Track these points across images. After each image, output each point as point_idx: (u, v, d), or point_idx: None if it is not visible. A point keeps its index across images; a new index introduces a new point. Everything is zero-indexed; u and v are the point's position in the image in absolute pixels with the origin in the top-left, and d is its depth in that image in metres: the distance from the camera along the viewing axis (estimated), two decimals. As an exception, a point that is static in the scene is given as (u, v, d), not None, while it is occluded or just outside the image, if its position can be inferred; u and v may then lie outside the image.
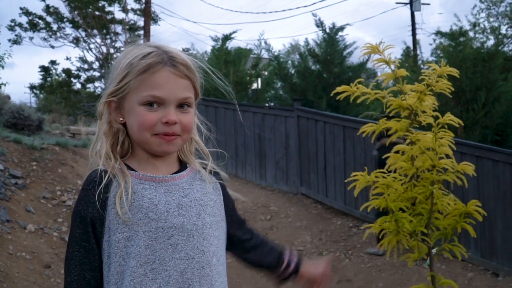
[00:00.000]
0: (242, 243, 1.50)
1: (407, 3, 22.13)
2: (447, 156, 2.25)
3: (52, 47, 20.60)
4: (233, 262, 1.68)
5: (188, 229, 1.27)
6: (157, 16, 20.44)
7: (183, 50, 1.38)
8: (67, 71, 22.03)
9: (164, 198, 1.27)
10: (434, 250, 2.35)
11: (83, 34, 20.14)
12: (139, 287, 1.21)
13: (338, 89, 2.40)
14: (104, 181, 1.25)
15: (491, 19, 17.14)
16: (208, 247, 1.30)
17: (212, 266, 1.31)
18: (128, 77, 1.27)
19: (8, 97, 11.26)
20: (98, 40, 19.96)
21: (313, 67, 12.80)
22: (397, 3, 22.55)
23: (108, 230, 1.24)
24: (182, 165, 1.39)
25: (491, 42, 10.84)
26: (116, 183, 1.26)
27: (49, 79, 23.02)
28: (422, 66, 10.32)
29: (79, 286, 1.26)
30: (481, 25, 14.33)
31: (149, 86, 1.26)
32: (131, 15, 20.63)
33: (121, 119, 1.32)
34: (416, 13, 21.92)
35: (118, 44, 20.56)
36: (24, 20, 20.36)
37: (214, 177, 1.41)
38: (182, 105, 1.29)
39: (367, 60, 12.33)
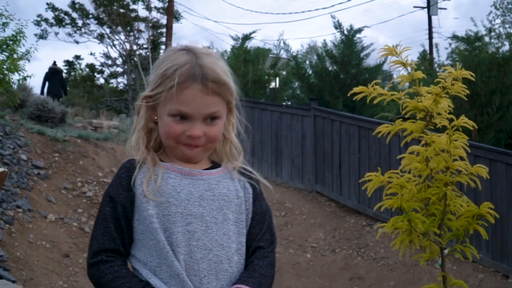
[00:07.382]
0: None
1: (424, 7, 22.02)
2: (461, 158, 2.26)
3: (77, 42, 20.87)
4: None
5: (207, 220, 1.30)
6: (179, 14, 20.58)
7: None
8: (91, 66, 22.28)
9: (187, 188, 1.32)
10: (446, 251, 2.37)
11: (108, 30, 20.39)
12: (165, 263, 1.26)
13: (355, 89, 2.43)
14: (136, 168, 1.33)
15: (507, 26, 17.03)
16: (229, 242, 1.32)
17: (233, 263, 1.32)
18: (161, 87, 1.31)
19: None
20: (122, 37, 20.22)
21: (330, 68, 12.83)
22: (414, 7, 22.47)
23: (138, 209, 1.30)
24: (214, 164, 1.41)
25: (506, 47, 10.80)
26: (146, 169, 1.33)
27: (73, 73, 23.35)
28: (438, 69, 10.31)
29: (104, 241, 1.30)
30: (496, 31, 14.24)
31: (178, 101, 1.29)
32: (154, 13, 20.83)
33: (156, 118, 1.38)
34: (432, 17, 21.82)
35: (141, 41, 20.80)
36: (50, 15, 20.68)
37: (244, 177, 1.40)
38: (209, 118, 1.32)
39: (384, 62, 12.34)
